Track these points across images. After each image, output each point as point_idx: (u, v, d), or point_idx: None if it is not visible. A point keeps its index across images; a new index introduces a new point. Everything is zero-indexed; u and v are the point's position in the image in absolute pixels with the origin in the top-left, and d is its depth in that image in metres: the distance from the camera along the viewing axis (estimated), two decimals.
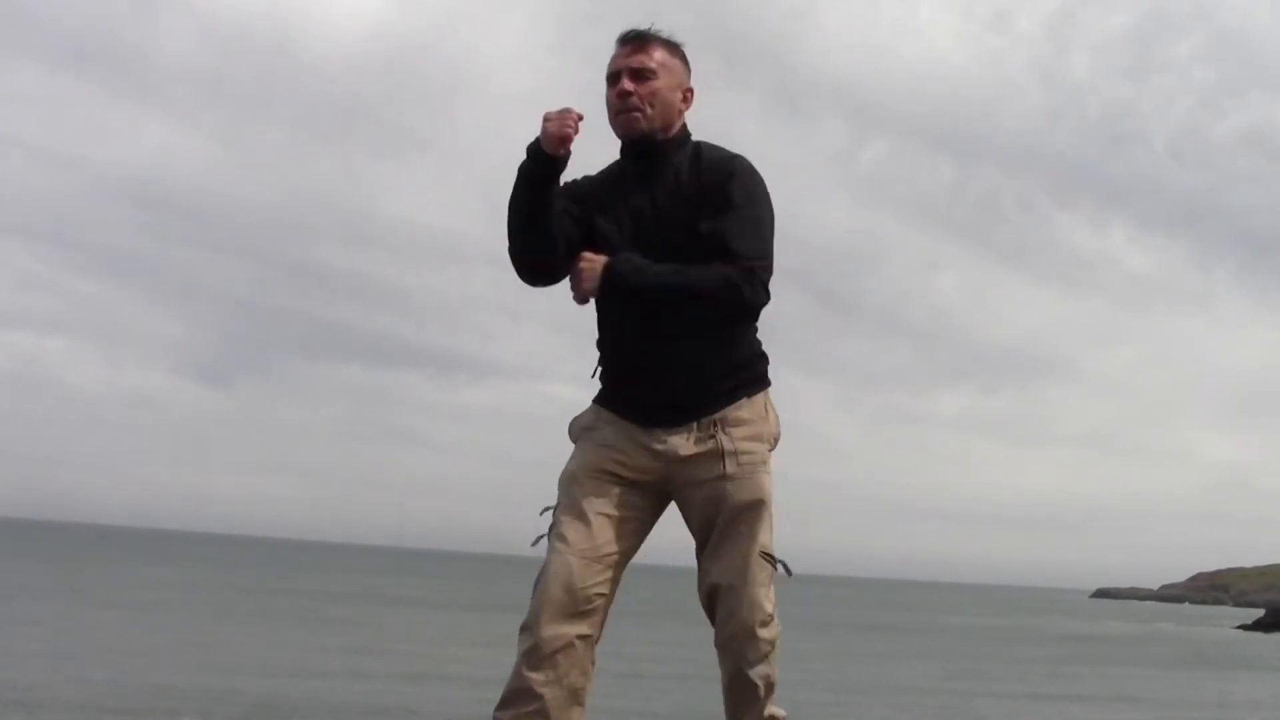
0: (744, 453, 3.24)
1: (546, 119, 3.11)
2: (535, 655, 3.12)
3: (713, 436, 3.23)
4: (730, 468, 3.22)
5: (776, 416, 3.37)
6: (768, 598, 3.24)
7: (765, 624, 3.23)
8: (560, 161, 3.17)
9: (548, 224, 3.21)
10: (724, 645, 3.25)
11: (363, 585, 50.85)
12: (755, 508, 3.23)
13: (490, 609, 35.65)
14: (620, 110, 3.23)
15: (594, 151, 3.35)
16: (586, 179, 3.34)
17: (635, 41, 3.25)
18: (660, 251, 3.18)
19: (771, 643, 3.25)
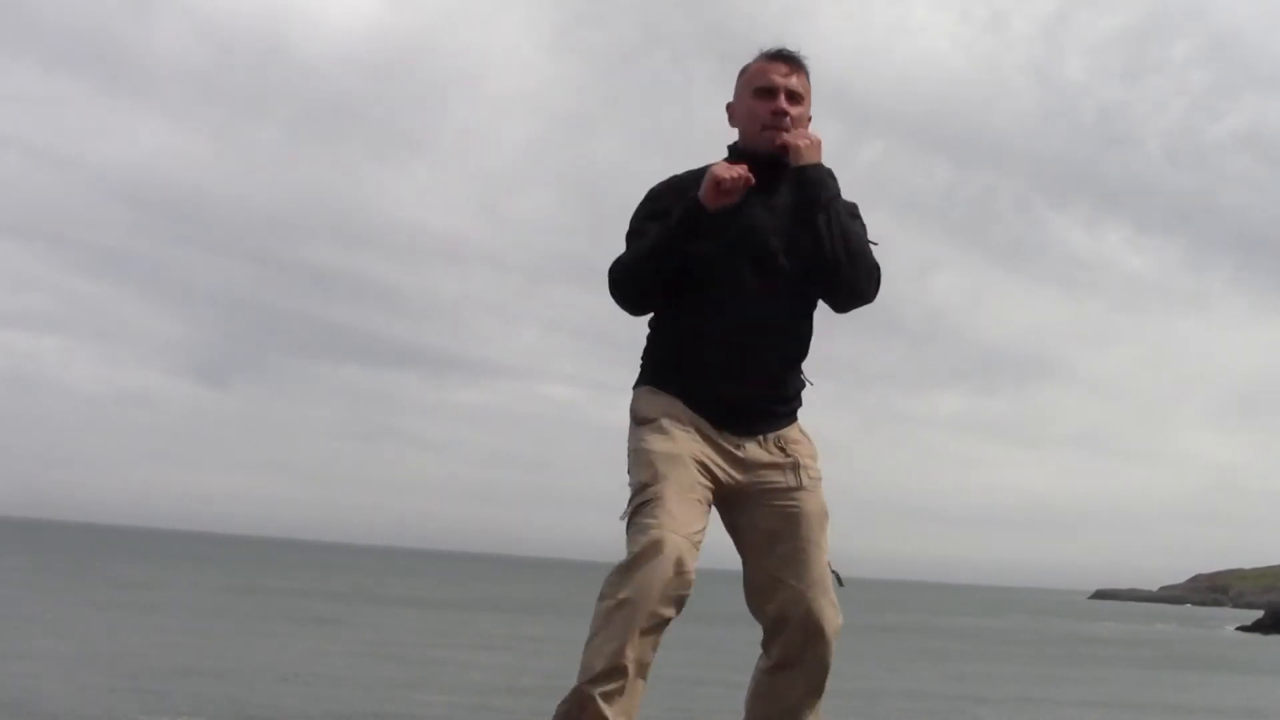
0: (811, 468, 3.36)
1: (719, 178, 3.15)
2: (637, 632, 3.02)
3: (782, 449, 3.33)
4: (805, 480, 3.32)
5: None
6: (837, 607, 3.36)
7: (834, 636, 3.32)
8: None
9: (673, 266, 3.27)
10: (803, 650, 3.28)
11: (359, 585, 50.83)
12: (824, 520, 3.34)
13: (490, 608, 35.66)
14: (771, 126, 3.29)
15: (658, 166, 3.42)
16: (676, 182, 3.34)
17: (793, 63, 3.33)
18: (768, 263, 3.26)
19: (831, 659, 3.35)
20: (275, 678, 14.45)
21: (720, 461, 3.28)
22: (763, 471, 3.30)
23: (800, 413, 3.45)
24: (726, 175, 3.13)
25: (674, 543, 3.06)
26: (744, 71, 3.36)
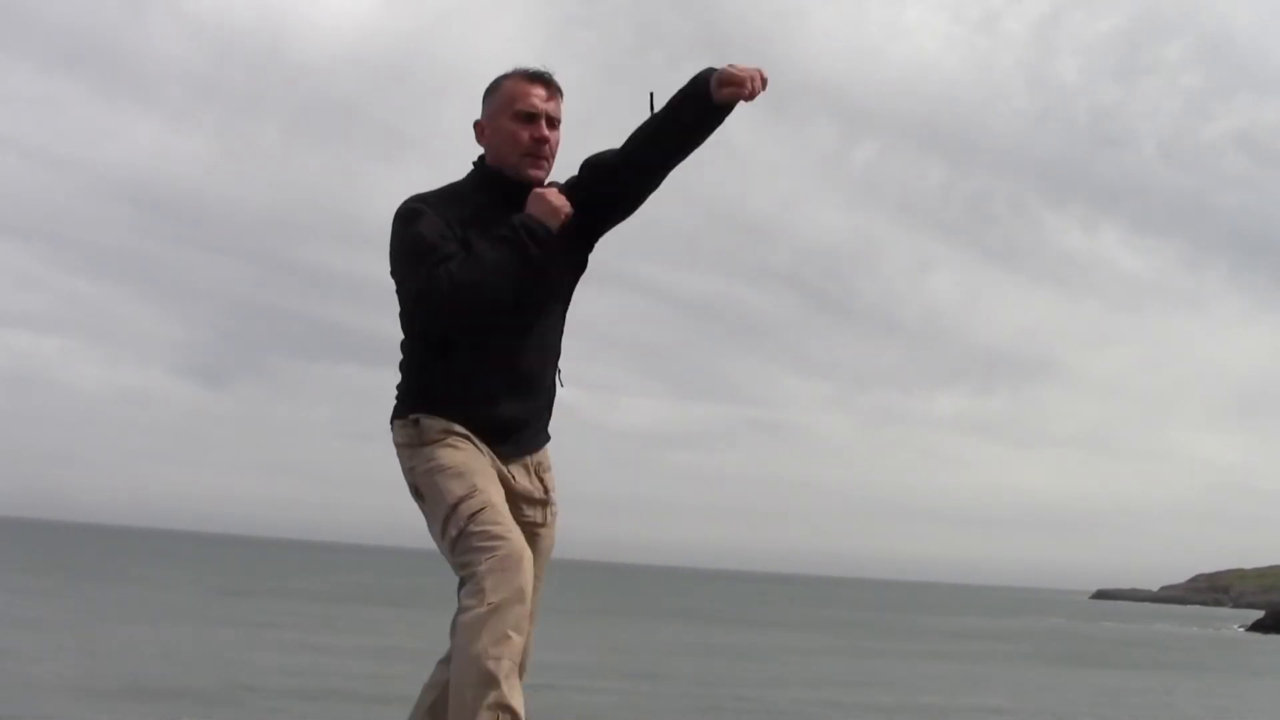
0: (554, 504, 3.27)
1: (565, 213, 3.12)
2: (516, 660, 2.90)
3: (541, 480, 3.23)
4: (548, 516, 3.25)
5: None
6: None
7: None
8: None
9: None
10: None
11: (358, 585, 50.84)
12: (550, 556, 3.30)
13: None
14: (532, 154, 3.17)
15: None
16: (436, 196, 3.20)
17: (552, 87, 3.21)
18: (543, 278, 3.18)
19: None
20: (274, 678, 14.46)
21: (506, 485, 3.15)
22: (523, 505, 3.18)
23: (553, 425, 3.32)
24: (565, 212, 3.12)
25: (524, 543, 2.96)
26: (496, 88, 3.20)
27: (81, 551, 70.39)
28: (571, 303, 3.30)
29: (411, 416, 3.14)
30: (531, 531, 3.15)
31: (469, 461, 3.08)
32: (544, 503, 3.23)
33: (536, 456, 3.23)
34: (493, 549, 2.92)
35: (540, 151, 3.17)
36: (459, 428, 3.11)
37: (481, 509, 2.99)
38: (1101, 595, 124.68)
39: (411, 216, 3.10)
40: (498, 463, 3.14)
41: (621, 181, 3.19)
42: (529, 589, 2.94)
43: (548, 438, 3.28)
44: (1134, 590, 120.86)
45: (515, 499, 3.14)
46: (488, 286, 3.07)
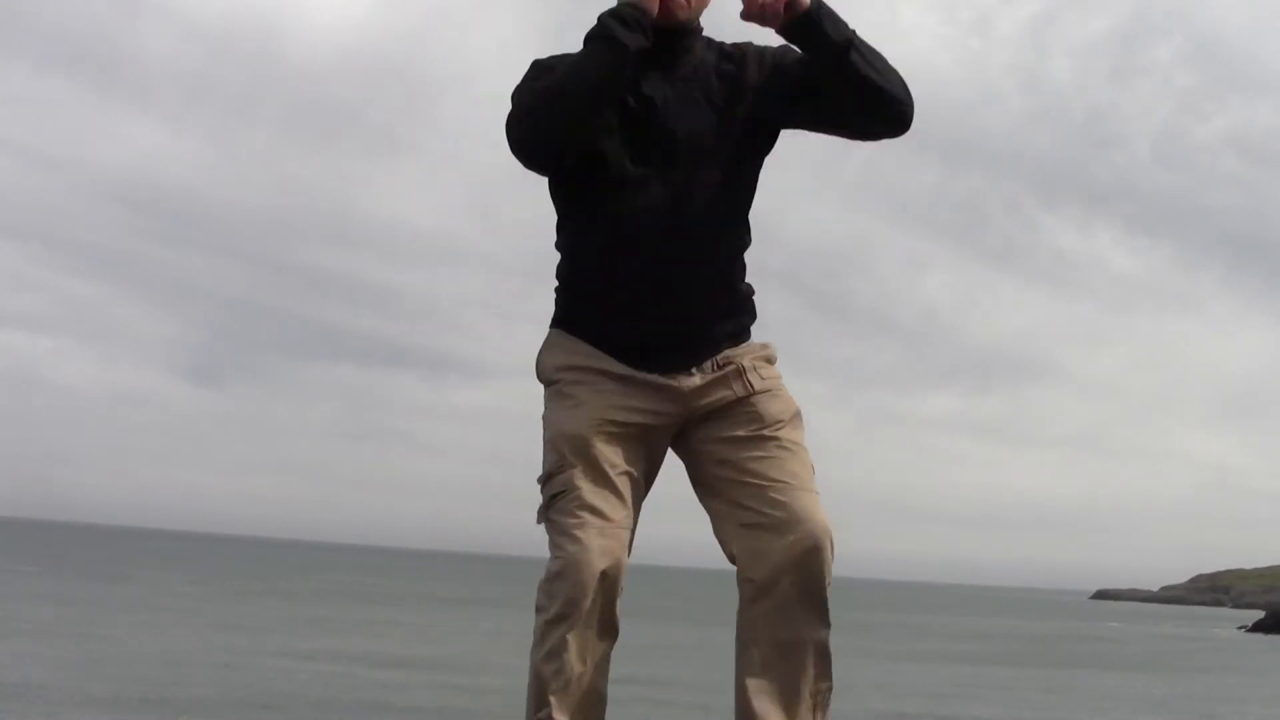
0: (761, 369, 2.79)
1: None
2: (575, 646, 2.63)
3: (721, 367, 2.76)
4: (757, 382, 2.76)
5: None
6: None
7: (831, 539, 2.70)
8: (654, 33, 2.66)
9: (599, 111, 2.66)
10: (794, 563, 2.66)
11: (356, 585, 50.80)
12: (793, 420, 2.79)
13: (488, 606, 35.62)
14: None
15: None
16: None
17: None
18: (662, 145, 2.69)
19: (829, 567, 2.72)
20: (272, 678, 14.43)
21: (646, 405, 2.74)
22: (704, 393, 2.75)
23: (756, 328, 2.87)
24: None
25: (598, 547, 2.62)
26: None
27: (76, 551, 70.31)
28: (748, 206, 2.78)
29: (548, 335, 2.82)
30: (740, 408, 2.75)
31: (567, 422, 2.72)
32: (734, 373, 2.76)
33: (727, 357, 2.76)
34: (558, 552, 2.65)
35: None
36: (580, 358, 2.75)
37: (560, 493, 2.68)
38: (1101, 595, 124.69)
39: (530, 71, 2.74)
40: (637, 376, 2.73)
41: (826, 82, 2.69)
42: (585, 601, 2.61)
43: (724, 348, 2.77)
44: (1134, 590, 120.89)
45: (685, 398, 2.75)
46: (570, 83, 2.62)
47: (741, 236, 2.80)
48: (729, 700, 2.76)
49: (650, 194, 2.68)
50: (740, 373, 2.76)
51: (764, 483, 2.70)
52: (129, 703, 11.59)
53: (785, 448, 2.74)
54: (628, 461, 2.72)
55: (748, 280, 2.85)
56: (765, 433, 2.75)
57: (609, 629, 2.67)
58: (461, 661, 18.47)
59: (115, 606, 26.13)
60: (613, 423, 2.71)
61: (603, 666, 2.69)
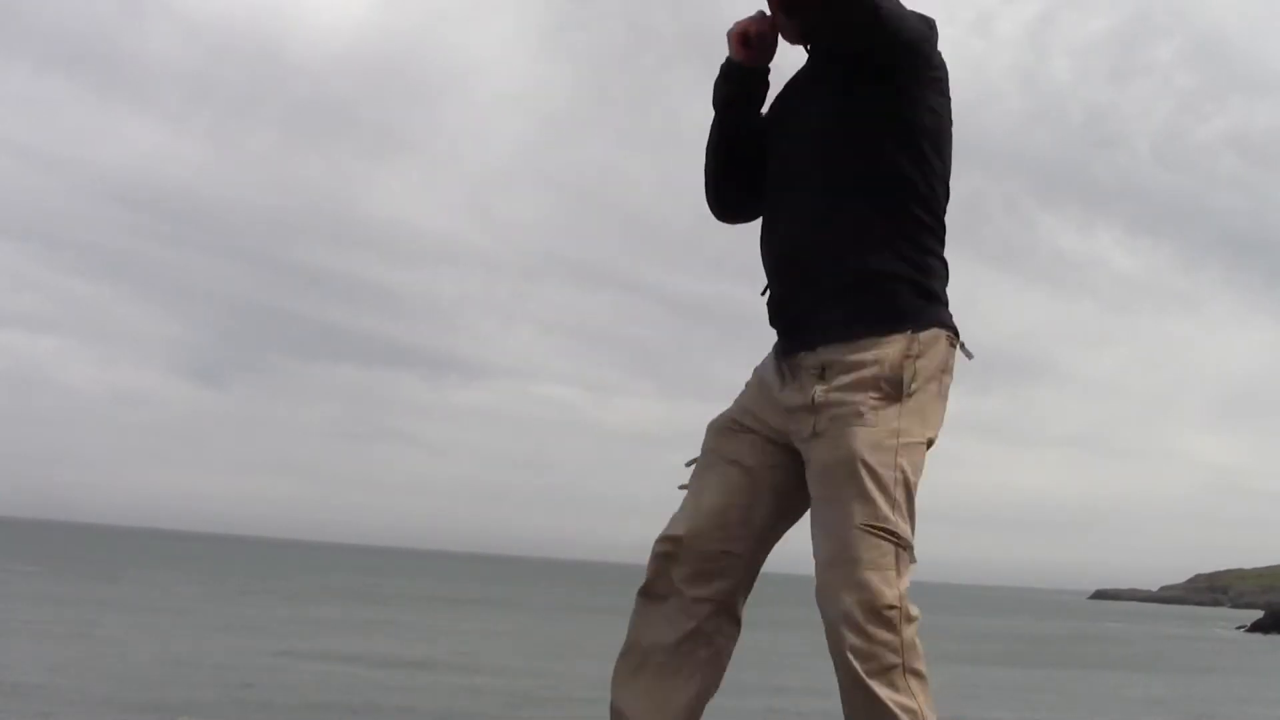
0: (837, 404, 2.48)
1: (738, 31, 2.72)
2: (631, 707, 2.68)
3: (811, 382, 2.54)
4: (820, 425, 2.50)
5: (938, 377, 2.60)
6: (886, 582, 2.48)
7: (880, 613, 2.46)
8: (756, 75, 2.73)
9: (747, 153, 2.75)
10: (830, 646, 2.47)
11: (354, 585, 50.78)
12: (847, 473, 2.45)
13: (488, 606, 35.57)
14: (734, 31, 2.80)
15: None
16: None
17: None
18: (796, 136, 2.67)
19: (897, 645, 2.51)
20: (272, 678, 14.44)
21: (772, 411, 2.63)
22: (792, 417, 2.57)
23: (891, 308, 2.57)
24: (739, 27, 2.70)
25: (682, 547, 2.59)
26: None
27: (76, 551, 70.29)
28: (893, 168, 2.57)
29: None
30: (807, 449, 2.53)
31: (723, 416, 2.71)
32: (806, 407, 2.51)
33: (818, 354, 2.54)
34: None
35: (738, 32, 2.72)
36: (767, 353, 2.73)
37: (670, 523, 2.67)
38: (1100, 595, 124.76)
39: None
40: (775, 372, 2.64)
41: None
42: (641, 641, 2.64)
43: (845, 333, 2.52)
44: (1133, 590, 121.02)
45: (785, 414, 2.59)
46: (707, 154, 2.81)
47: (859, 210, 2.56)
48: (744, 703, 2.77)
49: (783, 177, 2.69)
50: (811, 408, 2.51)
51: (812, 531, 2.55)
52: (128, 703, 11.59)
53: (825, 510, 2.51)
54: (750, 456, 2.72)
55: (919, 261, 2.59)
56: (817, 488, 2.55)
57: (671, 671, 2.69)
58: (461, 661, 18.49)
59: (115, 606, 26.12)
60: (752, 416, 2.73)
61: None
